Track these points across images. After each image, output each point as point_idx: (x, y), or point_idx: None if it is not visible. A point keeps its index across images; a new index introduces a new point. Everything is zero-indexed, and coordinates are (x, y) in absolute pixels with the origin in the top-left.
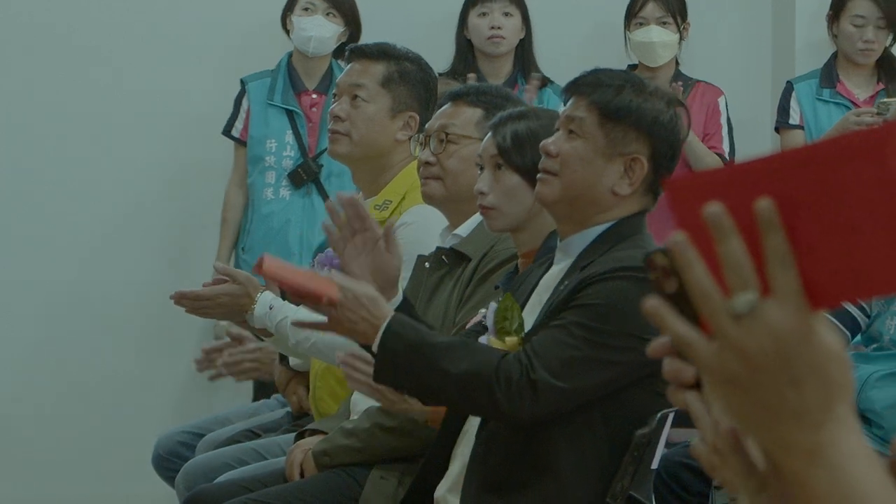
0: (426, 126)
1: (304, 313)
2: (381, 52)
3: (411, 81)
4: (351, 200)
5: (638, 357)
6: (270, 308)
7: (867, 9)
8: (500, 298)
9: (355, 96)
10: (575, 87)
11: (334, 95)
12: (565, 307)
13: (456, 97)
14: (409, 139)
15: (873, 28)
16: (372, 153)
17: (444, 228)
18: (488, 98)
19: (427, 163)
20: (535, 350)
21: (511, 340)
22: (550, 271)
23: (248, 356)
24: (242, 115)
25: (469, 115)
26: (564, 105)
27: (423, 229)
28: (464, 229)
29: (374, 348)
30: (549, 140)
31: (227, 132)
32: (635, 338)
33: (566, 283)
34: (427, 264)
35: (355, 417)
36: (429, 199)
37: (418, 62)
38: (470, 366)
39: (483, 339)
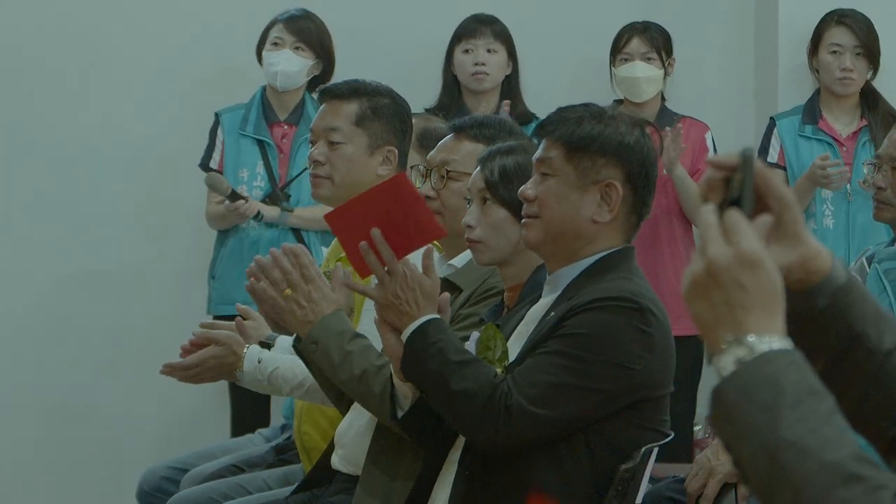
0: (428, 157)
1: (292, 359)
2: (352, 91)
3: (385, 116)
4: (295, 250)
5: (620, 386)
6: (259, 362)
7: (844, 37)
8: (481, 329)
9: (331, 140)
10: (541, 129)
11: (310, 142)
12: (550, 336)
13: (458, 130)
14: (391, 172)
15: (850, 56)
16: (355, 192)
17: (439, 258)
18: (491, 132)
19: (427, 197)
20: (515, 377)
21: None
22: (538, 304)
23: (213, 355)
24: (218, 146)
25: (470, 150)
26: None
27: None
28: (459, 260)
29: (403, 337)
30: (527, 185)
31: (203, 165)
32: (618, 366)
33: (553, 313)
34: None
35: (342, 451)
36: None
37: (390, 95)
38: (466, 387)
39: None
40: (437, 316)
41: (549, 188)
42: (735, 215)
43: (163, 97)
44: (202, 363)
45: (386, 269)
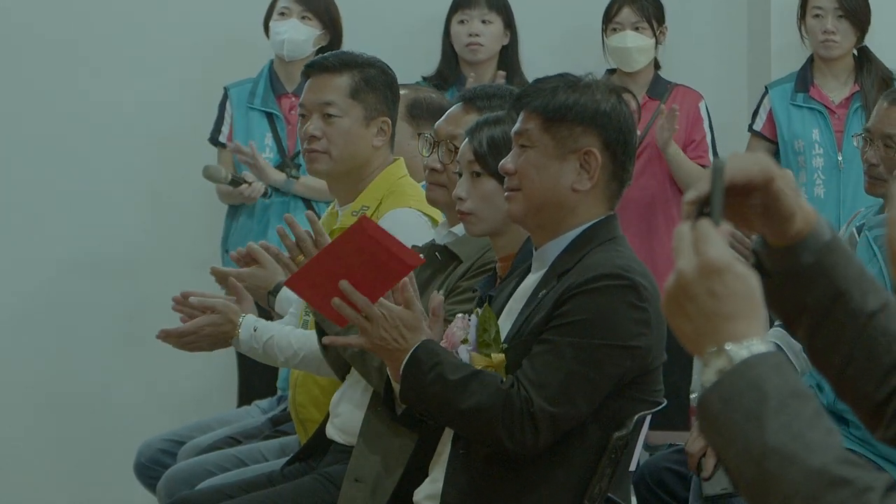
0: (436, 127)
1: (288, 329)
2: (343, 63)
3: (377, 86)
4: (311, 217)
5: (627, 367)
6: (255, 330)
7: (825, 0)
8: (480, 310)
9: (326, 113)
10: (518, 103)
11: (300, 116)
12: (549, 324)
13: (467, 101)
14: (385, 144)
15: (832, 18)
16: (353, 165)
17: (441, 223)
18: (499, 104)
19: (433, 169)
20: (530, 380)
21: (497, 358)
22: (527, 279)
23: (209, 323)
24: (227, 120)
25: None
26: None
27: (397, 236)
28: (461, 228)
29: (399, 372)
30: (507, 159)
31: (213, 139)
32: (622, 348)
33: (543, 291)
34: (421, 255)
35: (336, 420)
36: (432, 203)
37: (379, 65)
38: (477, 402)
39: (465, 354)
40: (424, 339)
41: (529, 159)
42: (703, 225)
43: (171, 73)
44: (198, 330)
45: (363, 315)
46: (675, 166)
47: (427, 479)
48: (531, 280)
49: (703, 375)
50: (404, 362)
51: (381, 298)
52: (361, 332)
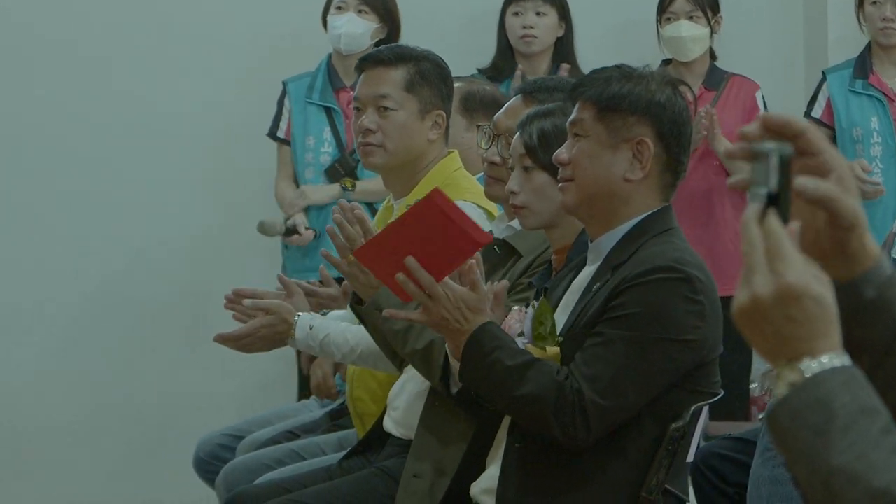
0: (495, 120)
1: (344, 326)
2: (397, 57)
3: (431, 80)
4: (359, 215)
5: (681, 360)
6: (311, 328)
7: None
8: (536, 304)
9: (382, 106)
10: (573, 93)
11: (356, 109)
12: (602, 317)
13: (526, 94)
14: (440, 137)
15: (891, 5)
16: (408, 159)
17: (499, 216)
18: (558, 97)
19: (493, 163)
20: (582, 373)
21: (552, 350)
22: (582, 272)
23: (264, 324)
24: (286, 115)
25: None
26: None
27: None
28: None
29: (459, 353)
30: (561, 149)
31: (272, 134)
32: (676, 342)
33: (598, 284)
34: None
35: (394, 413)
36: (492, 198)
37: (432, 59)
38: (531, 390)
39: (520, 345)
40: (487, 321)
41: (581, 149)
42: (775, 232)
43: (229, 68)
44: (254, 332)
45: (427, 293)
46: (729, 163)
47: (484, 474)
48: (586, 273)
49: (776, 388)
50: (464, 343)
51: (447, 278)
52: (423, 310)
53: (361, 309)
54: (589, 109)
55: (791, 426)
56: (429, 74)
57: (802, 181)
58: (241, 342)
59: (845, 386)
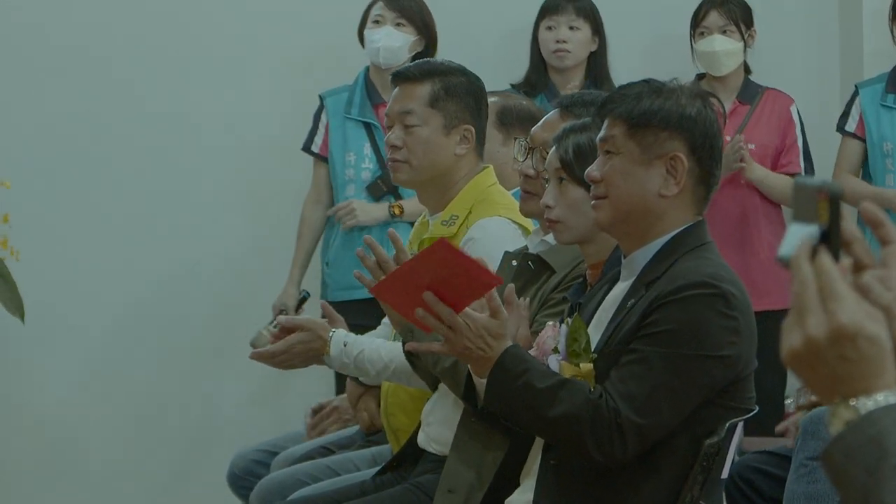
0: (532, 133)
1: (378, 342)
2: (424, 72)
3: (459, 94)
4: (394, 237)
5: (716, 376)
6: (345, 345)
7: None
8: (570, 320)
9: (407, 123)
10: (603, 110)
11: (387, 127)
12: (637, 334)
13: (564, 108)
14: (469, 151)
15: None
16: (435, 174)
17: (534, 231)
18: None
19: (527, 176)
20: (617, 391)
21: (586, 367)
22: (615, 288)
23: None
24: (321, 130)
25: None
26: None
27: (486, 245)
28: (553, 238)
29: (484, 379)
30: (592, 167)
31: (306, 148)
32: (711, 358)
33: (632, 300)
34: (514, 262)
35: (428, 428)
36: (527, 214)
37: (463, 73)
38: (564, 410)
39: (554, 363)
40: (511, 344)
41: (614, 166)
42: (827, 270)
43: (264, 81)
44: (289, 349)
45: (447, 325)
46: (767, 188)
47: (518, 490)
48: (620, 288)
49: (831, 426)
50: (490, 370)
51: (467, 308)
52: (445, 342)
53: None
54: (619, 126)
55: (845, 464)
56: (456, 89)
57: (871, 282)
58: (276, 359)
59: None
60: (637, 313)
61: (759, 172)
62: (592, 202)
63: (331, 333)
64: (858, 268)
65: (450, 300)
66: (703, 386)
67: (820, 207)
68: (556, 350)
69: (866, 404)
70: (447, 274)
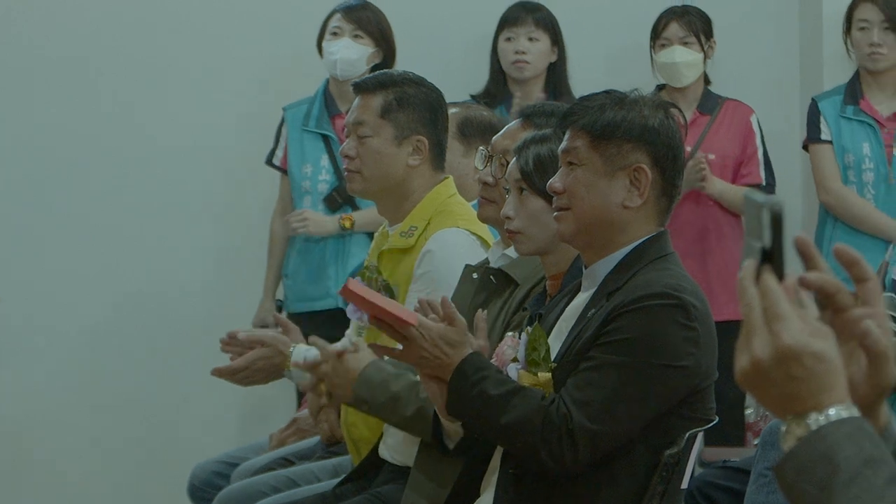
0: (492, 141)
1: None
2: (378, 83)
3: (412, 105)
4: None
5: (674, 386)
6: (305, 360)
7: (870, 13)
8: (530, 328)
9: (360, 133)
10: (565, 121)
11: (346, 135)
12: (596, 342)
13: (525, 118)
14: (423, 162)
15: (878, 31)
16: (387, 185)
17: (495, 244)
18: (555, 121)
19: (486, 183)
20: (572, 397)
21: (544, 377)
22: (576, 299)
23: (260, 356)
24: (282, 143)
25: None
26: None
27: (444, 257)
28: (514, 250)
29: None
30: (554, 178)
31: (269, 161)
32: (669, 367)
33: (593, 310)
34: (474, 275)
35: (390, 440)
36: (484, 220)
37: (419, 84)
38: (516, 417)
39: (513, 372)
40: (471, 352)
41: (577, 178)
42: (771, 291)
43: (233, 94)
44: (250, 365)
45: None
46: (728, 202)
47: (478, 500)
48: (581, 299)
49: (784, 442)
50: (450, 376)
51: (421, 316)
52: (402, 352)
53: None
54: (582, 138)
55: (797, 480)
56: (410, 100)
57: (870, 326)
58: (237, 376)
59: (850, 438)
60: (596, 322)
61: (718, 186)
62: (555, 214)
63: (291, 348)
64: (840, 310)
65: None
66: (661, 396)
67: (764, 226)
68: (515, 359)
69: (818, 420)
70: (375, 310)
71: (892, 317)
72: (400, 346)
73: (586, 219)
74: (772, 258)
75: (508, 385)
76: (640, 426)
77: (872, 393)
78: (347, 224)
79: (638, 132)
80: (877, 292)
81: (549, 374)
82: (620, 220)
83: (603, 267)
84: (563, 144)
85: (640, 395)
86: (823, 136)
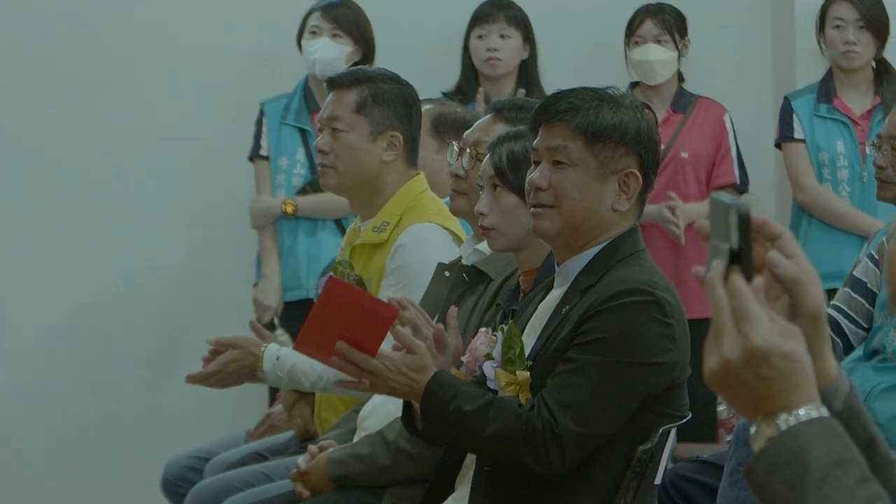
0: (464, 135)
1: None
2: (353, 79)
3: (387, 101)
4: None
5: (653, 383)
6: (277, 359)
7: (845, 11)
8: (506, 327)
9: (334, 128)
10: (549, 115)
11: (319, 130)
12: (573, 342)
13: (496, 112)
14: (397, 158)
15: (853, 29)
16: (361, 180)
17: (468, 237)
18: (526, 115)
19: (457, 176)
20: (554, 400)
21: (522, 375)
22: (550, 295)
23: (232, 359)
24: (265, 135)
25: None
26: (536, 133)
27: (416, 252)
28: (486, 245)
29: (419, 412)
30: (535, 175)
31: (253, 155)
32: (648, 365)
33: (566, 307)
34: (447, 273)
35: (363, 433)
36: (455, 213)
37: (393, 80)
38: (497, 429)
39: (489, 370)
40: (434, 371)
41: (569, 178)
42: (740, 292)
43: (209, 89)
44: (223, 368)
45: (367, 369)
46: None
47: (451, 496)
48: (554, 295)
49: (754, 442)
50: (421, 402)
51: (382, 348)
52: (371, 384)
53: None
54: (576, 138)
55: (768, 480)
56: (384, 96)
57: (776, 256)
58: (212, 380)
59: (820, 437)
60: (572, 321)
61: (693, 212)
62: (536, 210)
63: (263, 348)
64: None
65: (362, 344)
66: (640, 393)
67: (731, 228)
68: (489, 356)
69: (787, 420)
70: (350, 313)
71: (847, 314)
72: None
73: (575, 220)
74: (740, 259)
75: (482, 398)
76: (621, 424)
77: (805, 324)
78: (289, 209)
79: (632, 137)
80: (792, 240)
81: (527, 374)
82: (606, 222)
83: (576, 264)
84: (549, 141)
85: (622, 394)
86: (797, 135)
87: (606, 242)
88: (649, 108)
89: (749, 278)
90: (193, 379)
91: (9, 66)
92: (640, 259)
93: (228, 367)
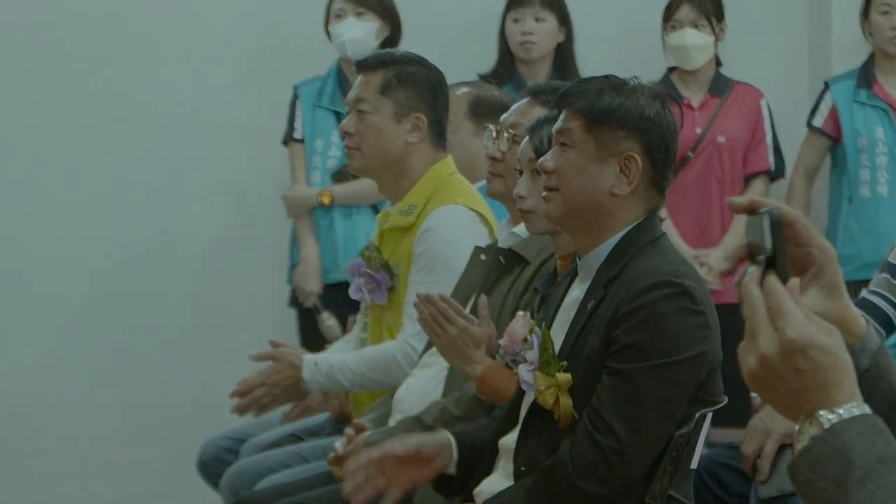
0: (501, 118)
1: (343, 356)
2: (379, 61)
3: (412, 83)
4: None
5: (697, 374)
6: (315, 365)
7: None
8: (537, 328)
9: (360, 110)
10: (561, 101)
11: (346, 112)
12: (610, 349)
13: (534, 95)
14: (422, 140)
15: None
16: (386, 161)
17: (504, 220)
18: None
19: (494, 158)
20: (605, 420)
21: (563, 377)
22: (574, 289)
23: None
24: (299, 118)
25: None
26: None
27: (443, 234)
28: (523, 228)
29: (452, 470)
30: (546, 157)
31: (288, 136)
32: (689, 359)
33: (591, 302)
34: (483, 257)
35: (399, 416)
36: (492, 195)
37: (419, 63)
38: (539, 475)
39: (526, 373)
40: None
41: (569, 160)
42: (775, 291)
43: (242, 71)
44: (265, 380)
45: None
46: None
47: (485, 480)
48: (579, 289)
49: (797, 442)
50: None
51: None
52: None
53: None
54: (578, 120)
55: (811, 478)
56: (410, 77)
57: (785, 208)
58: (259, 402)
59: (862, 435)
60: (602, 321)
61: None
62: (543, 193)
63: (301, 358)
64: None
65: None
66: (689, 387)
67: (765, 233)
68: (526, 360)
69: (829, 418)
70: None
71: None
72: None
73: (575, 202)
74: (774, 263)
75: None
76: (678, 421)
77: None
78: (326, 200)
79: (633, 120)
80: (807, 227)
81: (567, 375)
82: (607, 205)
83: (595, 257)
84: (558, 124)
85: (673, 394)
86: (815, 123)
87: (624, 232)
88: (674, 99)
89: (784, 281)
90: (241, 407)
91: (24, 47)
92: (660, 246)
93: (271, 380)
